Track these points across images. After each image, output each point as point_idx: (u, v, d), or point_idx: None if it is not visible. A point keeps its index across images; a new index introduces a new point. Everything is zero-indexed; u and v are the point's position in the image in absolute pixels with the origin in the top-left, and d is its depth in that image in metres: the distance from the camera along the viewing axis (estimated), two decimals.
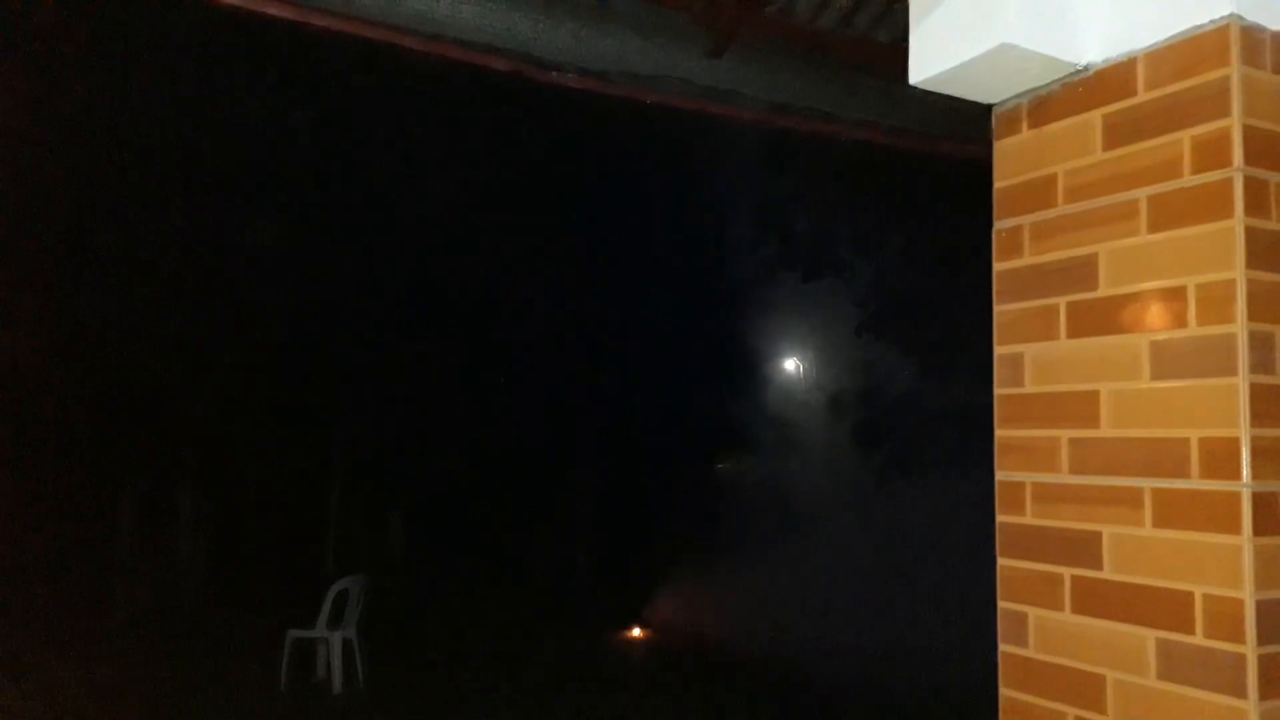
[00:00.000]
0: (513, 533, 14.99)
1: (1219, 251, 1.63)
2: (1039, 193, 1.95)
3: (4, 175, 9.38)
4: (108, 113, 10.20)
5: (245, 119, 11.45)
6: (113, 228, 11.08)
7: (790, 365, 16.48)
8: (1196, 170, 1.67)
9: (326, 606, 8.64)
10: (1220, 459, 1.60)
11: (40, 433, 11.31)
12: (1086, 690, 1.78)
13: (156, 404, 12.23)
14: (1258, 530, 1.56)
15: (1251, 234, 1.61)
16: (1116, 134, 1.82)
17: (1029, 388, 1.95)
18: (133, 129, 10.41)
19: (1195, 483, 1.63)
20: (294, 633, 8.59)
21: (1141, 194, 1.76)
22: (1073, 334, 1.86)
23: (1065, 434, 1.86)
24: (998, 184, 2.06)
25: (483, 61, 3.48)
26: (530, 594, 14.07)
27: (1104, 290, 1.80)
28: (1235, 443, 1.58)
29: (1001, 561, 1.98)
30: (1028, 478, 1.93)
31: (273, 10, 3.23)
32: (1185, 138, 1.70)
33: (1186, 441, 1.65)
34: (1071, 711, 1.81)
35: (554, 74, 3.55)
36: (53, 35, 9.15)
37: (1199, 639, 1.61)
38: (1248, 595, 1.55)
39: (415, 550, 15.09)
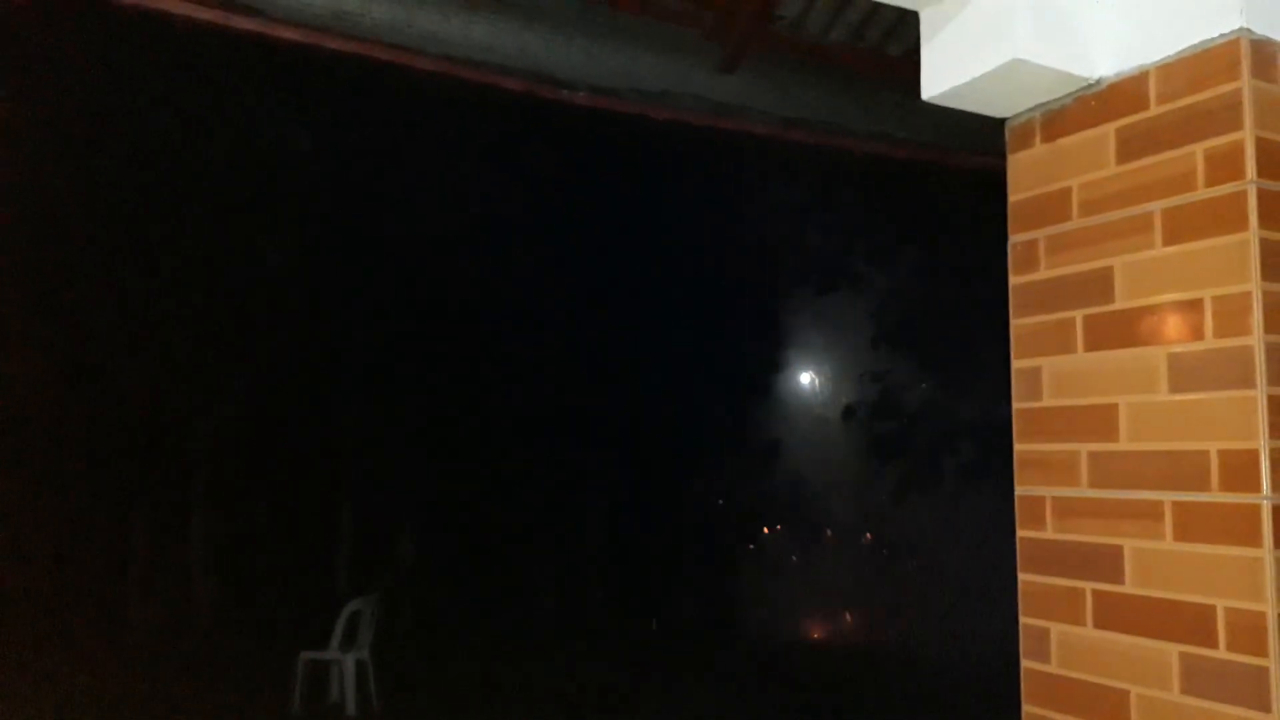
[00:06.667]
0: (528, 552, 14.95)
1: (1234, 264, 1.63)
2: (1054, 206, 1.96)
3: (9, 186, 9.45)
4: (122, 125, 10.31)
5: (258, 140, 11.56)
6: (128, 247, 11.16)
7: (806, 378, 16.43)
8: (1210, 183, 1.67)
9: (340, 628, 8.56)
10: (1240, 471, 1.60)
11: (50, 452, 11.33)
12: (1110, 706, 1.77)
13: (167, 423, 12.26)
14: (1279, 542, 1.55)
15: (1266, 246, 1.61)
16: (1130, 147, 1.82)
17: (1047, 401, 1.94)
18: (152, 143, 10.52)
19: (1215, 495, 1.63)
20: (307, 654, 8.48)
21: (1156, 207, 1.76)
22: (1090, 347, 1.86)
23: (1084, 448, 1.85)
24: (1012, 198, 2.06)
25: (495, 81, 3.50)
26: (546, 614, 14.02)
27: (1120, 303, 1.80)
28: (1255, 455, 1.58)
29: (1023, 577, 1.98)
30: (1048, 492, 1.93)
31: (286, 34, 3.26)
32: (1198, 151, 1.70)
33: (1206, 454, 1.65)
34: None
35: (566, 92, 3.57)
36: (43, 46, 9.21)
37: (1222, 652, 1.60)
38: (1270, 608, 1.54)
39: (430, 570, 15.06)
